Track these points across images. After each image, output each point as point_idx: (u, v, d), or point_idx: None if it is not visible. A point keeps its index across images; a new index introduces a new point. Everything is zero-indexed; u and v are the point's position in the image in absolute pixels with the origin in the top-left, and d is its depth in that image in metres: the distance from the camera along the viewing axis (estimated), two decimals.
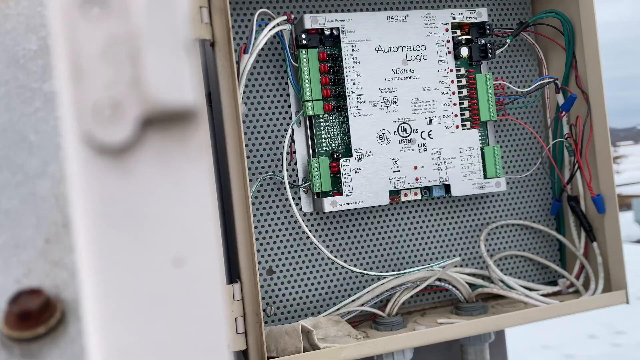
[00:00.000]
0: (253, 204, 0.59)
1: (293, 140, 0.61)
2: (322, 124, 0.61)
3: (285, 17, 0.57)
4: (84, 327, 0.17)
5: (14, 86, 0.30)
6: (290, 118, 0.61)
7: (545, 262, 0.68)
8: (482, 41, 0.64)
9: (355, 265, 0.63)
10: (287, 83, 0.61)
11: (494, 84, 0.64)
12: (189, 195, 0.12)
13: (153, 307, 0.12)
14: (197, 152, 0.12)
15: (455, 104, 0.63)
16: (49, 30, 0.37)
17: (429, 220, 0.65)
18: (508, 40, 0.66)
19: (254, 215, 0.59)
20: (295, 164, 0.61)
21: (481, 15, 0.64)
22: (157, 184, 0.11)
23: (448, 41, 0.63)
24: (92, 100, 0.12)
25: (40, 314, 0.21)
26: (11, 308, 0.21)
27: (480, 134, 0.64)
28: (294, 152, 0.61)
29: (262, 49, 0.59)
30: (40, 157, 0.26)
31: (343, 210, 0.62)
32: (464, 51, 0.63)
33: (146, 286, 0.12)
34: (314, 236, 0.59)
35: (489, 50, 0.64)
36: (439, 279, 0.61)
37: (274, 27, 0.56)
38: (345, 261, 0.62)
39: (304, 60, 0.59)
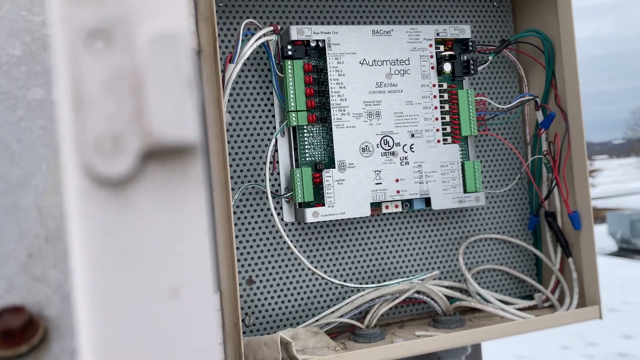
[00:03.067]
0: (235, 213, 0.59)
1: (276, 150, 0.61)
2: (305, 135, 0.61)
3: (271, 28, 0.57)
4: (67, 345, 0.16)
5: None
6: (274, 128, 0.61)
7: (522, 276, 0.69)
8: (465, 57, 0.65)
9: (335, 277, 0.63)
10: (271, 93, 0.61)
11: (476, 100, 0.65)
12: (187, 228, 0.12)
13: (148, 336, 0.12)
14: (195, 185, 0.12)
15: (437, 119, 0.64)
16: (33, 36, 0.37)
17: (409, 233, 0.66)
18: (490, 57, 0.67)
19: (235, 225, 0.59)
20: (278, 173, 0.61)
21: (464, 31, 0.65)
22: (155, 216, 0.12)
23: (431, 56, 0.64)
24: (93, 132, 0.12)
25: (22, 332, 0.20)
26: None
27: (461, 148, 0.65)
28: (277, 162, 0.61)
29: (248, 58, 0.59)
30: (22, 167, 0.26)
31: (325, 221, 0.62)
32: (447, 67, 0.64)
33: (142, 316, 0.12)
34: (295, 246, 0.59)
35: (472, 67, 0.65)
36: (418, 292, 0.62)
37: (260, 38, 0.56)
38: (325, 272, 0.62)
39: (289, 71, 0.59)
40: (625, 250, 7.26)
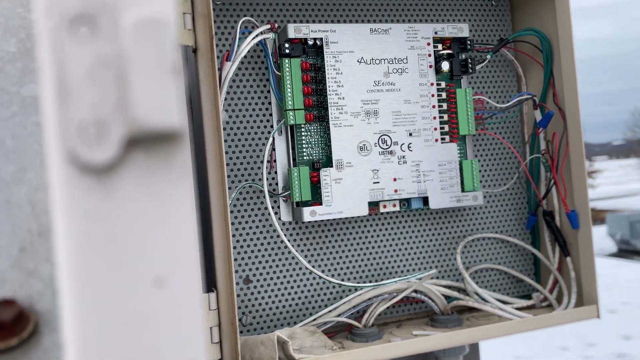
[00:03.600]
0: (232, 212, 0.59)
1: (274, 149, 0.61)
2: (303, 134, 0.61)
3: (268, 26, 0.57)
4: (58, 339, 0.16)
5: None
6: (272, 126, 0.61)
7: (520, 275, 0.69)
8: (463, 56, 0.65)
9: (332, 276, 0.63)
10: (269, 91, 0.61)
11: (474, 99, 0.65)
12: (172, 216, 0.12)
13: (133, 325, 0.12)
14: (180, 173, 0.12)
15: (435, 118, 0.63)
16: (28, 33, 0.37)
17: (407, 232, 0.66)
18: (488, 56, 0.67)
19: (232, 224, 0.59)
20: (276, 172, 0.61)
21: (463, 30, 0.64)
22: (140, 203, 0.11)
23: (429, 55, 0.63)
24: (77, 119, 0.11)
25: (13, 325, 0.20)
26: None
27: (459, 147, 0.65)
28: (275, 161, 0.61)
29: (245, 56, 0.59)
30: (16, 163, 0.26)
31: (322, 220, 0.62)
32: (445, 65, 0.64)
33: (127, 305, 0.12)
34: (292, 246, 0.59)
35: (470, 65, 0.65)
36: (416, 291, 0.61)
37: (257, 36, 0.56)
38: (322, 271, 0.62)
39: (287, 69, 0.59)
40: (625, 252, 7.26)
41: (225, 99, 0.59)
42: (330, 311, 0.60)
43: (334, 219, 0.63)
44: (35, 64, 0.32)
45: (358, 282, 0.63)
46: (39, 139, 0.27)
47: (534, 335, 3.53)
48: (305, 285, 0.62)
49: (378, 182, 0.61)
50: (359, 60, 0.61)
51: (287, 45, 0.59)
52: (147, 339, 0.12)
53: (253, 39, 0.56)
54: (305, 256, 0.62)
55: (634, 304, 4.18)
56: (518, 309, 0.64)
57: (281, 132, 0.61)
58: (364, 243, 0.64)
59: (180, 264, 0.12)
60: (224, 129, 0.59)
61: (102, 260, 0.12)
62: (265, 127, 0.61)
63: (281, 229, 0.59)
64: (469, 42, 0.64)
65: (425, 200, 0.63)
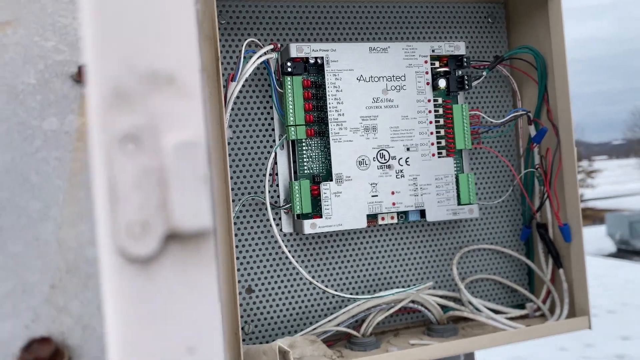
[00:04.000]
0: (235, 223, 0.61)
1: (276, 163, 0.63)
2: (304, 148, 0.63)
3: (271, 46, 0.59)
4: None
5: (15, 123, 0.32)
6: (274, 141, 0.63)
7: (514, 285, 0.71)
8: (460, 73, 0.67)
9: (332, 286, 0.65)
10: (271, 108, 0.63)
11: (470, 114, 0.67)
12: (201, 296, 0.14)
13: None
14: (208, 261, 0.14)
15: (432, 133, 0.65)
16: (46, 63, 0.39)
17: (405, 244, 0.68)
18: (484, 73, 0.69)
19: (235, 235, 0.61)
20: (277, 185, 0.63)
21: (459, 48, 0.66)
22: (175, 287, 0.13)
23: (427, 72, 0.65)
24: (125, 220, 0.14)
25: None
26: (24, 356, 0.23)
27: (455, 162, 0.67)
28: (277, 174, 0.63)
29: (249, 75, 0.61)
30: (42, 200, 0.28)
31: (322, 233, 0.64)
32: (442, 83, 0.66)
33: None
34: (293, 257, 0.61)
35: (466, 82, 0.67)
36: (413, 301, 0.64)
37: (260, 56, 0.58)
38: (322, 282, 0.64)
39: (289, 86, 0.61)
40: (624, 252, 7.28)
41: (230, 115, 0.61)
42: (329, 321, 0.63)
43: (334, 231, 0.65)
44: (54, 96, 0.34)
45: (357, 293, 0.65)
46: (61, 174, 0.29)
47: None
48: (305, 295, 0.64)
49: (376, 196, 0.63)
50: (359, 78, 0.63)
51: (289, 63, 0.61)
52: None
53: (257, 59, 0.58)
54: (306, 267, 0.64)
55: (633, 305, 4.20)
56: (512, 318, 0.66)
57: (283, 146, 0.63)
58: (362, 254, 0.66)
59: (208, 336, 0.14)
60: (229, 143, 0.61)
61: (146, 334, 0.14)
62: (267, 142, 0.63)
63: (282, 241, 0.61)
64: (465, 60, 0.66)
65: (422, 213, 0.65)
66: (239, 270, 0.61)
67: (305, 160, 0.63)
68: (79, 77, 0.36)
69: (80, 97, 0.33)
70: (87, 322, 0.24)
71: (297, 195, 0.61)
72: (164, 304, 0.14)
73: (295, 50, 0.60)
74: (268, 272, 0.62)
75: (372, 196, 0.63)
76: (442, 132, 0.67)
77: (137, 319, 0.14)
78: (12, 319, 0.24)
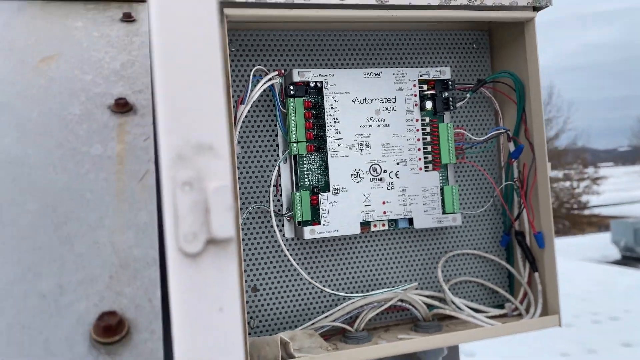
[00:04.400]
0: (242, 229, 0.69)
1: (279, 175, 0.70)
2: (305, 162, 0.70)
3: (276, 72, 0.67)
4: (143, 338, 0.26)
5: (68, 149, 0.39)
6: (278, 156, 0.71)
7: (495, 287, 0.78)
8: (445, 95, 0.75)
9: (329, 286, 0.72)
10: (276, 126, 0.71)
11: (455, 132, 0.75)
12: (228, 277, 0.21)
13: (209, 342, 0.22)
14: (232, 257, 0.22)
15: (419, 149, 0.73)
16: (87, 95, 0.46)
17: (395, 248, 0.75)
18: (468, 95, 0.76)
19: (243, 240, 0.69)
20: (281, 195, 0.71)
21: (445, 73, 0.74)
22: (212, 272, 0.21)
23: (415, 95, 0.73)
24: (183, 232, 0.21)
25: (116, 327, 0.30)
26: (98, 323, 0.30)
27: (440, 175, 0.74)
28: (280, 186, 0.71)
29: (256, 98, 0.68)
30: (96, 212, 0.35)
31: (320, 238, 0.71)
32: (429, 104, 0.73)
33: (208, 329, 0.21)
34: (294, 259, 0.68)
35: (451, 103, 0.74)
36: (401, 300, 0.71)
37: (267, 82, 0.66)
38: (320, 282, 0.72)
39: (292, 107, 0.69)
40: (629, 259, 7.30)
41: (239, 133, 0.69)
42: (326, 317, 0.70)
43: (331, 237, 0.72)
44: (96, 125, 0.42)
45: (351, 292, 0.73)
46: (109, 192, 0.36)
47: (534, 342, 3.60)
48: (305, 294, 0.71)
49: (369, 205, 0.71)
50: (354, 100, 0.71)
51: (292, 87, 0.68)
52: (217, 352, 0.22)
53: (263, 84, 0.65)
54: (306, 269, 0.71)
55: (636, 312, 4.23)
56: (492, 317, 0.73)
57: (286, 160, 0.71)
58: (356, 258, 0.74)
59: (232, 301, 0.22)
60: (237, 158, 0.69)
61: (193, 298, 0.22)
62: (272, 156, 0.71)
63: (285, 245, 0.69)
64: (450, 83, 0.74)
65: (410, 220, 0.72)
66: (245, 271, 0.69)
67: (305, 173, 0.70)
68: (115, 108, 0.44)
69: (119, 126, 0.41)
70: (138, 302, 0.31)
71: (298, 204, 0.68)
72: (205, 281, 0.21)
73: (298, 75, 0.68)
74: (272, 272, 0.70)
75: (365, 205, 0.70)
76: (429, 148, 0.74)
77: (189, 290, 0.21)
78: (85, 299, 0.31)
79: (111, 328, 0.30)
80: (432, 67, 0.75)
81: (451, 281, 0.76)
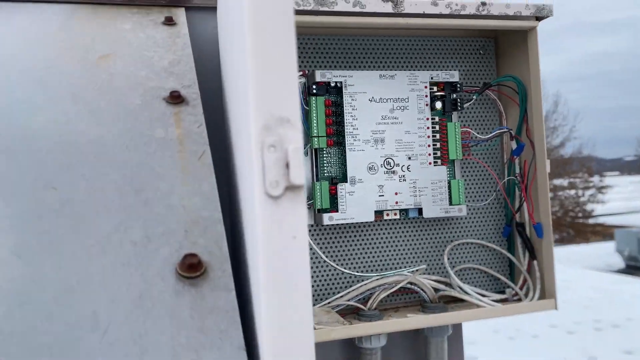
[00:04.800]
0: None
1: None
2: (324, 155, 0.77)
3: (301, 73, 0.74)
4: (217, 276, 0.33)
5: (135, 132, 0.46)
6: None
7: (496, 274, 0.85)
8: (454, 96, 0.82)
9: (345, 268, 0.79)
10: None
11: (462, 131, 0.81)
12: (301, 209, 0.29)
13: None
14: (302, 199, 0.29)
15: (429, 145, 0.80)
16: (144, 88, 0.53)
17: (405, 236, 0.82)
18: (474, 97, 0.83)
19: None
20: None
21: (454, 76, 0.81)
22: (289, 211, 0.28)
23: (426, 96, 0.80)
24: (269, 179, 0.28)
25: (196, 265, 0.37)
26: (183, 261, 0.37)
27: (448, 169, 0.81)
28: None
29: None
30: (167, 182, 0.42)
31: (338, 224, 0.78)
32: (438, 104, 0.80)
33: (287, 248, 0.29)
34: (314, 243, 0.75)
35: (459, 104, 0.81)
36: (411, 283, 0.78)
37: None
38: (337, 264, 0.79)
39: (314, 105, 0.76)
40: (633, 268, 7.32)
41: None
42: (342, 296, 0.77)
43: (347, 224, 0.79)
44: (156, 113, 0.49)
45: (365, 273, 0.79)
46: (175, 166, 0.43)
47: (537, 348, 3.64)
48: (323, 275, 0.78)
49: (383, 196, 0.77)
50: (370, 99, 0.78)
51: (314, 86, 0.76)
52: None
53: None
54: (324, 252, 0.78)
55: (638, 320, 4.27)
56: (493, 301, 0.80)
57: (307, 153, 0.78)
58: (370, 243, 0.81)
59: (302, 226, 0.29)
60: None
61: (278, 234, 0.29)
62: None
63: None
64: (458, 86, 0.81)
65: (420, 210, 0.79)
66: None
67: (325, 165, 0.77)
68: (170, 99, 0.51)
69: (174, 115, 0.48)
70: (210, 250, 0.38)
71: (318, 193, 0.75)
72: (283, 216, 0.28)
73: (320, 75, 0.75)
74: None
75: (379, 196, 0.77)
76: (438, 144, 0.81)
77: (272, 222, 0.28)
78: (168, 246, 0.38)
79: (193, 265, 0.37)
80: (442, 70, 0.82)
81: (456, 268, 0.83)
